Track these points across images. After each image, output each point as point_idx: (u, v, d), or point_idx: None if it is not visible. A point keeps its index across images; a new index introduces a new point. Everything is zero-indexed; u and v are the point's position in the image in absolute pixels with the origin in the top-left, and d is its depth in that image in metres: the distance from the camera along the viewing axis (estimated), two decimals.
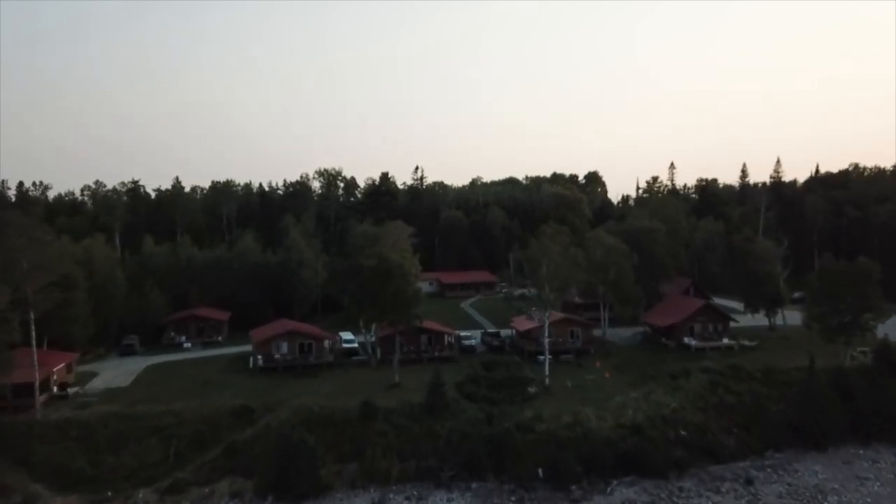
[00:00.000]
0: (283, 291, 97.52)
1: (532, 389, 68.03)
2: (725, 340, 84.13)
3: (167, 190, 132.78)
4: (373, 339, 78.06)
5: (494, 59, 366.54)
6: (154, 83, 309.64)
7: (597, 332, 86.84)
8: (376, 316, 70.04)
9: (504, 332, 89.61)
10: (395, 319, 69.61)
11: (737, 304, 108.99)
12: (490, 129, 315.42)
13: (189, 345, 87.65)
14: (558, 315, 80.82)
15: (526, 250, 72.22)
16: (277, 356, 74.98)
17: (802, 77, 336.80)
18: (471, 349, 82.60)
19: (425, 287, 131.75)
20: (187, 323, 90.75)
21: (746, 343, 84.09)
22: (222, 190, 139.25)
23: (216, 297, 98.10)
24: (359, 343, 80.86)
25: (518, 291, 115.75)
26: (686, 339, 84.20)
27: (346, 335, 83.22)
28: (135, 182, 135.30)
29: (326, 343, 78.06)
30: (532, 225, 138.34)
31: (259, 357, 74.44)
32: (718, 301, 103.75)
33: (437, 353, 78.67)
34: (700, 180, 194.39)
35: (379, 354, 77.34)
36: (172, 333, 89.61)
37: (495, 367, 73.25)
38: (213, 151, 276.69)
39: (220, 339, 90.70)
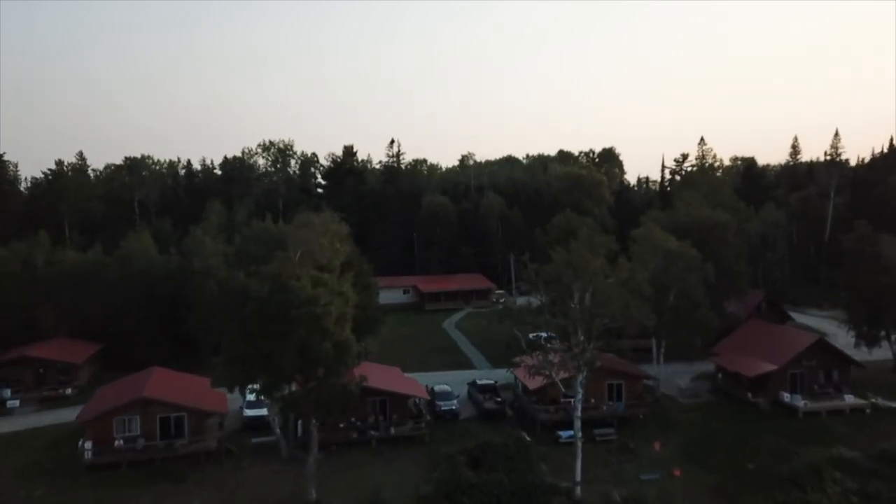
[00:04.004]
0: (182, 316, 66.20)
1: None
2: (850, 398, 53.96)
3: (51, 170, 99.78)
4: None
5: (487, 21, 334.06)
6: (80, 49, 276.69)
7: (647, 384, 56.67)
8: (270, 384, 37.99)
9: (504, 374, 59.89)
10: (309, 402, 38.05)
11: (812, 321, 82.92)
12: (483, 100, 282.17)
13: (17, 403, 56.84)
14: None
15: (544, 266, 40.71)
16: (120, 443, 44.43)
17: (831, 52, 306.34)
18: (452, 415, 52.30)
19: (399, 297, 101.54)
20: (19, 368, 59.68)
21: (881, 402, 54.13)
22: (135, 168, 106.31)
23: (85, 323, 67.32)
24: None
25: (514, 299, 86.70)
26: (787, 397, 54.10)
27: (252, 396, 51.63)
28: None
29: (210, 414, 47.52)
30: (538, 214, 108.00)
31: (88, 445, 43.82)
32: None
33: (393, 430, 48.20)
34: (735, 159, 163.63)
35: (299, 431, 47.09)
36: None
37: (490, 462, 43.05)
38: (139, 123, 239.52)
39: (69, 392, 59.53)
